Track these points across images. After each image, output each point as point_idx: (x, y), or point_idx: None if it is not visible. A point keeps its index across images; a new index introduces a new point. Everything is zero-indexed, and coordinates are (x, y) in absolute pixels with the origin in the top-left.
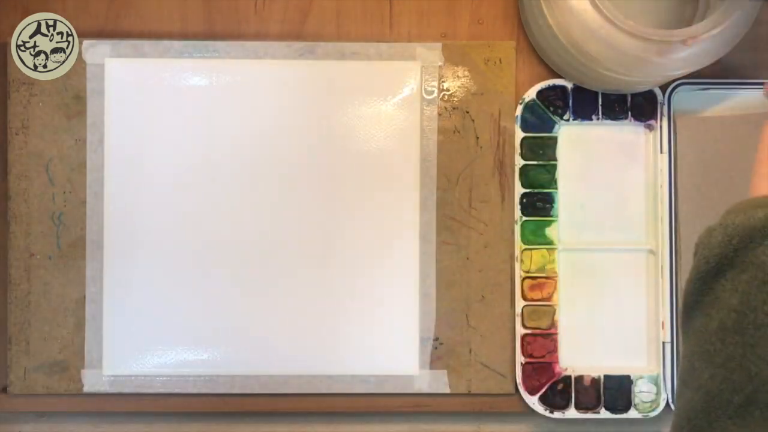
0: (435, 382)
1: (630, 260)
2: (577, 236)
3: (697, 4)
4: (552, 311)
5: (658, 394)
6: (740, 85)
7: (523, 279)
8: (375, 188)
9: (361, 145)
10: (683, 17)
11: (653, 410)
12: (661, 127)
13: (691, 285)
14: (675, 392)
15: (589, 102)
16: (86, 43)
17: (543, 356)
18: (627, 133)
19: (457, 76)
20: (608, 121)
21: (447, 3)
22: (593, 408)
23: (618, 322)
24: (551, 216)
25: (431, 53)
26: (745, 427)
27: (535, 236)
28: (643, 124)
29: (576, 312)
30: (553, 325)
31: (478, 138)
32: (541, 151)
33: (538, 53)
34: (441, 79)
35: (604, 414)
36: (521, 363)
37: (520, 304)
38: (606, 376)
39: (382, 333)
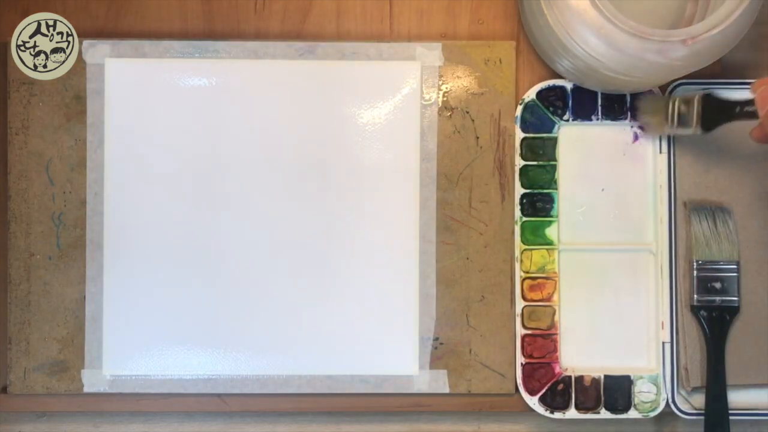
0: (435, 382)
1: (630, 260)
2: (577, 236)
3: (697, 4)
4: (552, 312)
5: (658, 394)
6: (740, 85)
7: (523, 279)
8: (375, 188)
9: (361, 145)
10: (683, 17)
11: (653, 410)
12: None
13: None
14: None
15: (588, 102)
16: (86, 43)
17: (543, 357)
18: (627, 133)
19: (457, 76)
20: (608, 121)
21: (447, 3)
22: (593, 408)
23: (618, 322)
24: (551, 216)
25: (431, 53)
26: None
27: (535, 236)
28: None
29: (576, 312)
30: (553, 325)
31: (478, 138)
32: (541, 152)
33: (538, 53)
34: (441, 79)
35: (604, 414)
36: (521, 363)
37: (520, 304)
38: (606, 376)
39: (382, 333)
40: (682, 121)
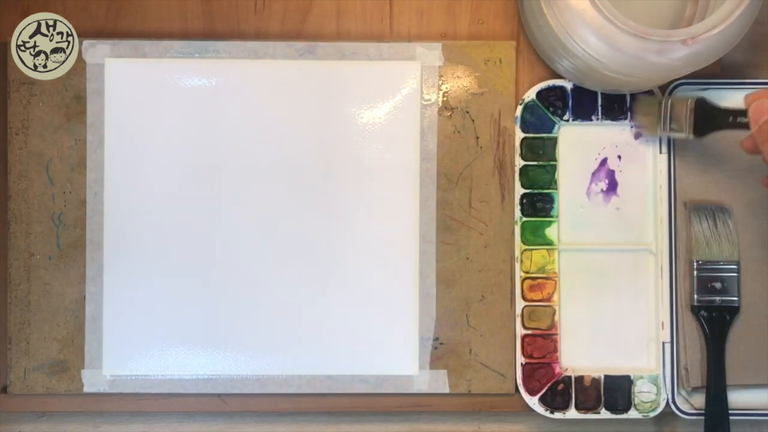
0: (435, 382)
1: (630, 260)
2: (577, 236)
3: (697, 4)
4: (552, 312)
5: (658, 394)
6: (740, 85)
7: (523, 279)
8: (375, 188)
9: (361, 145)
10: (683, 17)
11: (653, 410)
12: None
13: None
14: None
15: (588, 102)
16: (86, 43)
17: (543, 357)
18: (627, 133)
19: (457, 76)
20: (608, 121)
21: (447, 3)
22: (593, 408)
23: (618, 322)
24: (551, 216)
25: (431, 53)
26: None
27: (535, 236)
28: None
29: (576, 312)
30: (553, 325)
31: (478, 138)
32: (541, 152)
33: (538, 53)
34: (441, 79)
35: (604, 414)
36: (521, 363)
37: (520, 304)
38: (606, 376)
39: (382, 333)
40: (674, 126)
